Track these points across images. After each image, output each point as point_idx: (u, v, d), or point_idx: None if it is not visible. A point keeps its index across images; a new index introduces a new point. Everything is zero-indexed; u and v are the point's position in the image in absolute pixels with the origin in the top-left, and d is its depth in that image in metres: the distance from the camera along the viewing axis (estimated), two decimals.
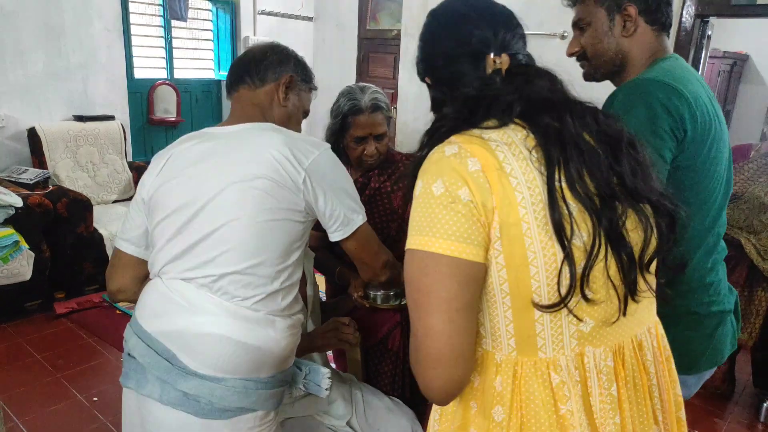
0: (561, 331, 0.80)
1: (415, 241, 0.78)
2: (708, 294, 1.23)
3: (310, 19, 5.33)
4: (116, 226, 3.35)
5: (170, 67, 4.68)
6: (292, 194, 1.15)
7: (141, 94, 4.49)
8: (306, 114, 1.39)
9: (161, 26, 4.53)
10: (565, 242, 0.75)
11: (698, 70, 3.64)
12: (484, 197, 0.76)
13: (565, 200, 0.76)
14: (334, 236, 1.25)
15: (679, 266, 1.11)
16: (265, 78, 1.27)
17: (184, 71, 4.81)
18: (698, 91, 1.18)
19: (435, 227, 0.76)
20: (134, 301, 1.27)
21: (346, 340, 1.55)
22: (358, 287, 1.60)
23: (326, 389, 1.30)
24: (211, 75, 4.99)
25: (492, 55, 0.87)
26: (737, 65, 5.84)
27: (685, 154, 1.15)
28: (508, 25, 0.91)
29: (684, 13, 3.28)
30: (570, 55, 1.33)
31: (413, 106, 4.18)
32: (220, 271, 1.12)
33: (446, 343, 0.75)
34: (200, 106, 5.00)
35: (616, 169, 0.81)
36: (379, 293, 1.58)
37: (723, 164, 1.23)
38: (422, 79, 0.98)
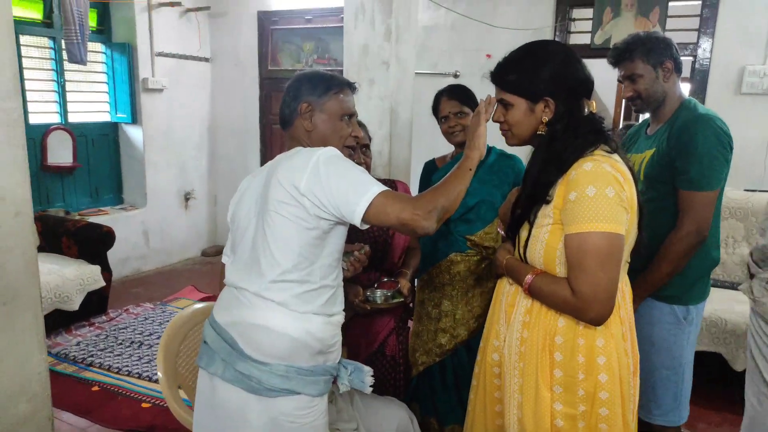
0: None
1: (600, 225, 1.20)
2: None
3: (207, 60, 5.41)
4: None
5: (63, 110, 4.50)
6: (297, 208, 1.29)
7: (34, 140, 4.27)
8: (349, 116, 1.48)
9: (53, 70, 4.37)
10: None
11: None
12: (629, 196, 1.24)
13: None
14: (355, 221, 1.27)
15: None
16: (289, 119, 1.47)
17: (79, 114, 4.64)
18: None
19: (611, 216, 1.20)
20: None
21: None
22: (358, 293, 1.72)
23: (370, 386, 1.46)
24: (107, 117, 4.85)
25: (590, 99, 1.30)
26: None
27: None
28: None
29: None
30: (627, 98, 1.85)
31: None
32: (260, 280, 1.35)
33: (615, 283, 1.22)
34: (97, 149, 4.83)
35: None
36: (377, 294, 1.70)
37: None
38: (535, 98, 1.31)
